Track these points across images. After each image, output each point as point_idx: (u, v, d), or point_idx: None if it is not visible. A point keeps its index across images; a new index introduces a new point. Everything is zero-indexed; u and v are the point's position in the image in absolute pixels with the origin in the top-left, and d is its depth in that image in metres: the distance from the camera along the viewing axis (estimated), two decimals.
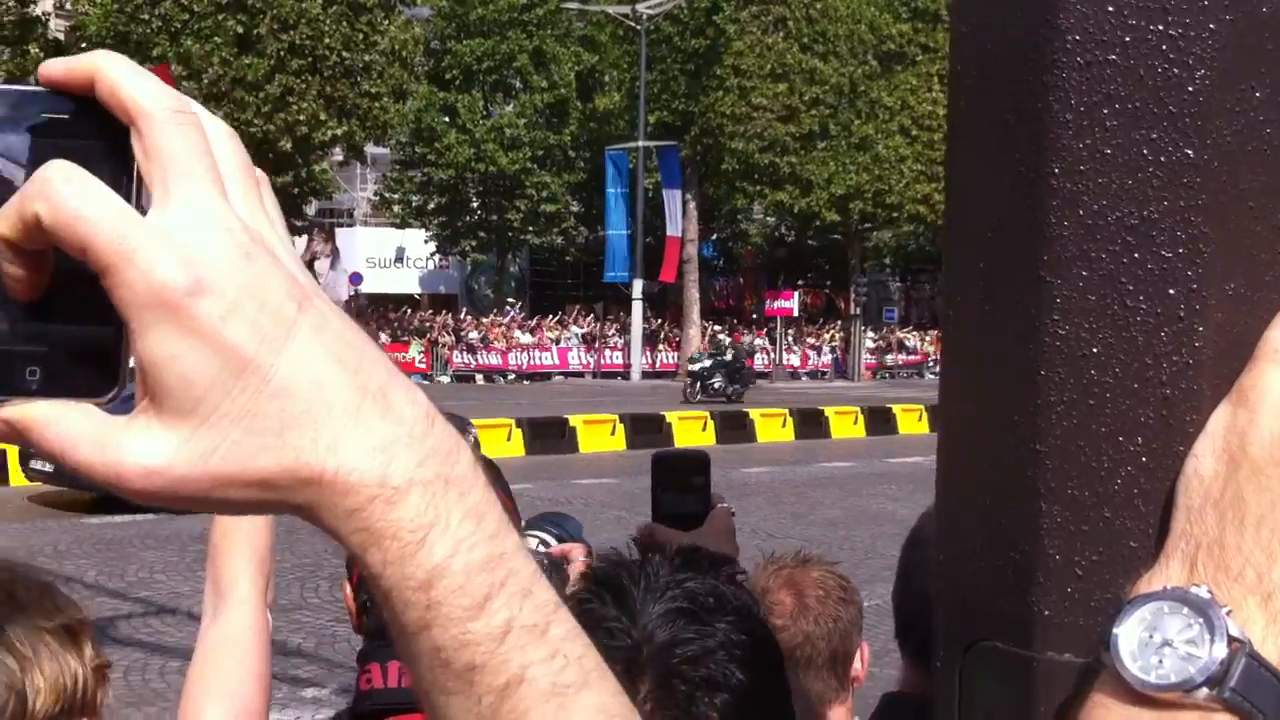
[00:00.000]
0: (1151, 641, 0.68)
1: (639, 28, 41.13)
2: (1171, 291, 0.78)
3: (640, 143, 40.21)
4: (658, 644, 1.26)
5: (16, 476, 16.77)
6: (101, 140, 0.58)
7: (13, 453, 16.88)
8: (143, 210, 0.57)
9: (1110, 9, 0.77)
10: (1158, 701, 0.66)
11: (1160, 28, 0.75)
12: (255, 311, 0.57)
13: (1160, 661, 0.67)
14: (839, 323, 52.19)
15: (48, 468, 15.85)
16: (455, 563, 0.59)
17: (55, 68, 0.59)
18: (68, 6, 37.26)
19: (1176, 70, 0.75)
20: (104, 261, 0.55)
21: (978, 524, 0.90)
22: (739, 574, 1.39)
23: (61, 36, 35.38)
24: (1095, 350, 0.81)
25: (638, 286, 39.78)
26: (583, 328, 45.49)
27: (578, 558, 2.04)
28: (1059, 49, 0.78)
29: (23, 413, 0.57)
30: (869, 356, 47.86)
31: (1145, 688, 0.67)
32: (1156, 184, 0.77)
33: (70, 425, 0.57)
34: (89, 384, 0.58)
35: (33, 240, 0.56)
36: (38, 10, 35.07)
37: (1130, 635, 0.69)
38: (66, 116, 0.58)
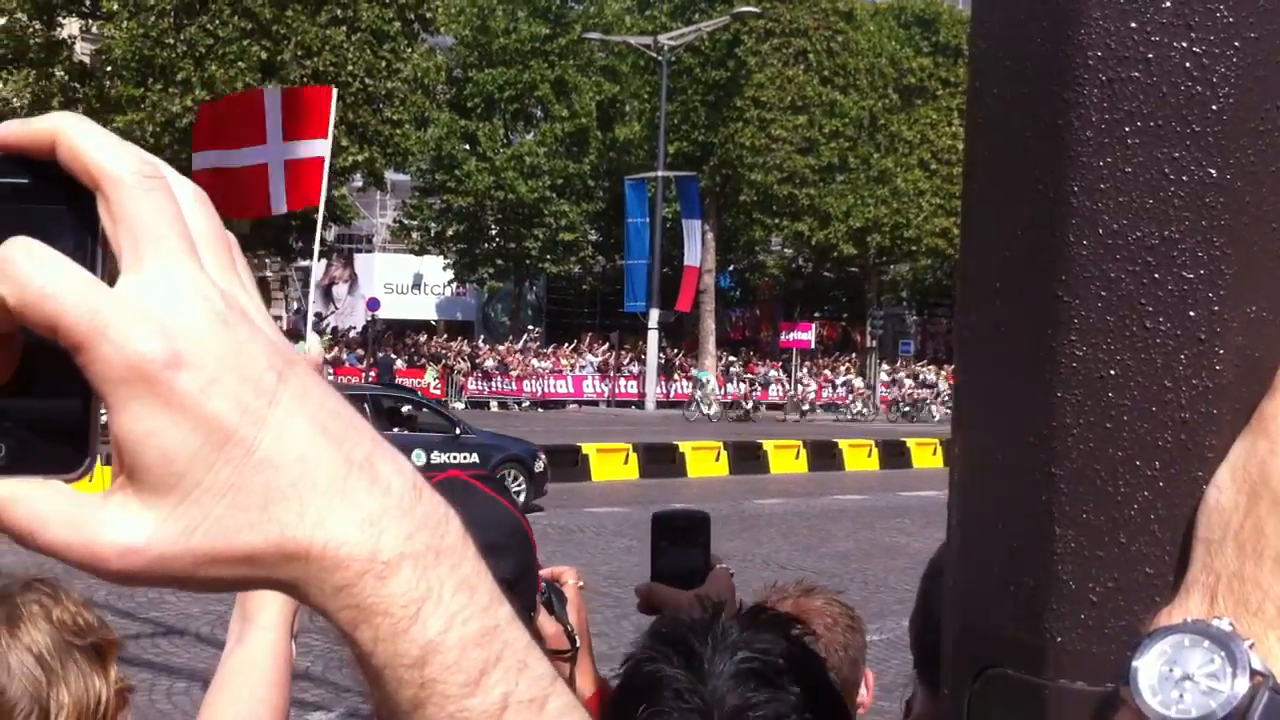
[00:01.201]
0: (1171, 675, 0.66)
1: (660, 59, 41.30)
2: (1192, 314, 0.76)
3: (659, 173, 40.30)
4: (729, 707, 1.21)
5: None
6: (63, 206, 0.55)
7: None
8: (110, 278, 0.54)
9: (1133, 25, 0.75)
10: None
11: (1183, 45, 0.74)
12: (236, 383, 0.55)
13: (1181, 696, 0.65)
14: (854, 355, 52.11)
15: None
16: (450, 638, 0.58)
17: (12, 130, 0.55)
18: (94, 30, 37.55)
19: (1200, 89, 0.74)
20: (76, 339, 0.52)
21: (990, 548, 0.88)
22: (808, 635, 1.36)
23: (87, 60, 35.69)
24: (1113, 372, 0.79)
25: (654, 316, 39.80)
26: (598, 356, 45.47)
27: (569, 580, 2.00)
28: (1080, 65, 0.77)
29: None
30: (884, 390, 47.71)
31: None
32: (1178, 204, 0.75)
33: (40, 504, 0.54)
34: (59, 460, 0.55)
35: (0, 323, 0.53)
36: (63, 34, 35.39)
37: (1150, 669, 0.67)
38: (26, 182, 0.55)
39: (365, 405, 18.93)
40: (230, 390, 0.54)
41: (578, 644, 1.88)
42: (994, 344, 0.88)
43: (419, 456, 18.59)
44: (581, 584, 1.99)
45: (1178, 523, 0.79)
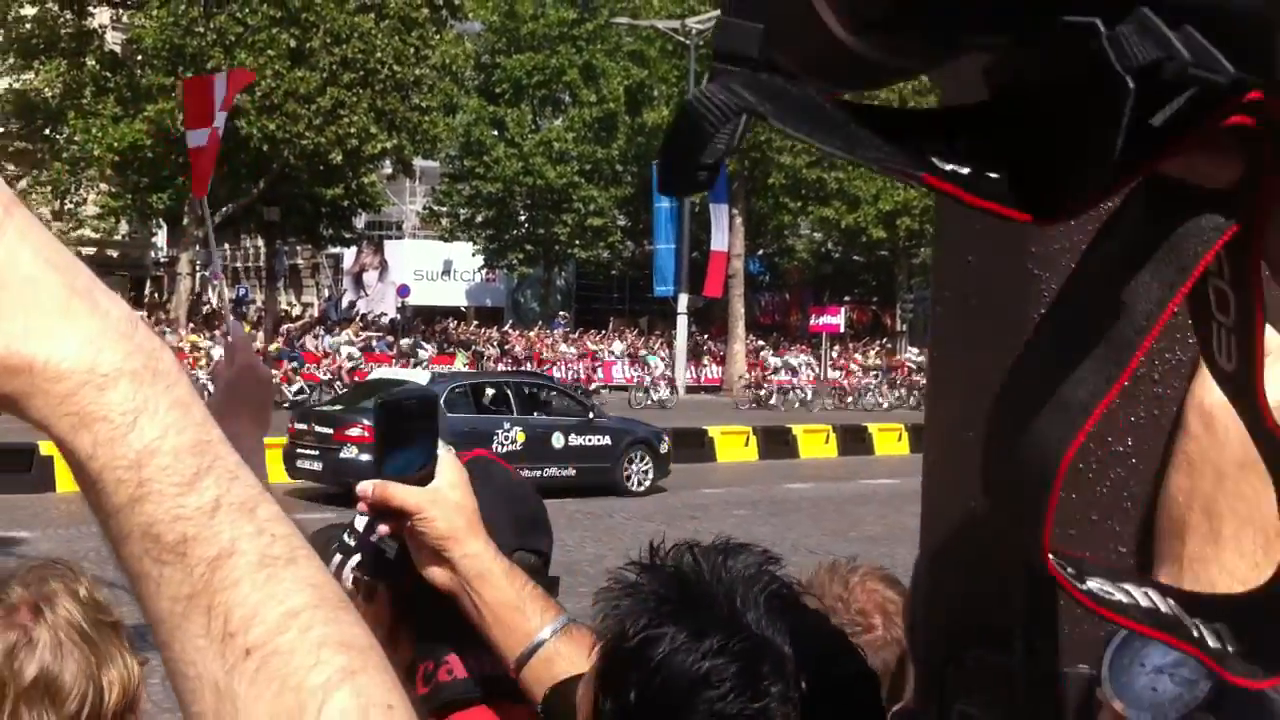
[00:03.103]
0: (1143, 670, 0.66)
1: (688, 42, 41.13)
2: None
3: None
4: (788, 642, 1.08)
5: (63, 483, 16.96)
6: None
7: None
8: None
9: None
10: None
11: None
12: None
13: (1155, 689, 0.65)
14: (884, 340, 51.89)
15: (315, 466, 17.03)
16: (165, 444, 0.64)
17: None
18: (124, 19, 37.73)
19: None
20: None
21: (961, 528, 0.86)
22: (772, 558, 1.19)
23: (118, 49, 35.87)
24: None
25: (683, 301, 39.71)
26: (625, 342, 45.45)
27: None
28: None
29: None
30: (917, 376, 47.49)
31: (1144, 719, 0.66)
32: None
33: None
34: None
35: None
36: (94, 23, 35.58)
37: (1123, 667, 0.67)
38: None
39: (507, 390, 19.53)
40: None
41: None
42: (965, 318, 0.87)
43: (558, 439, 18.94)
44: None
45: (1150, 502, 0.77)
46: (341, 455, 16.81)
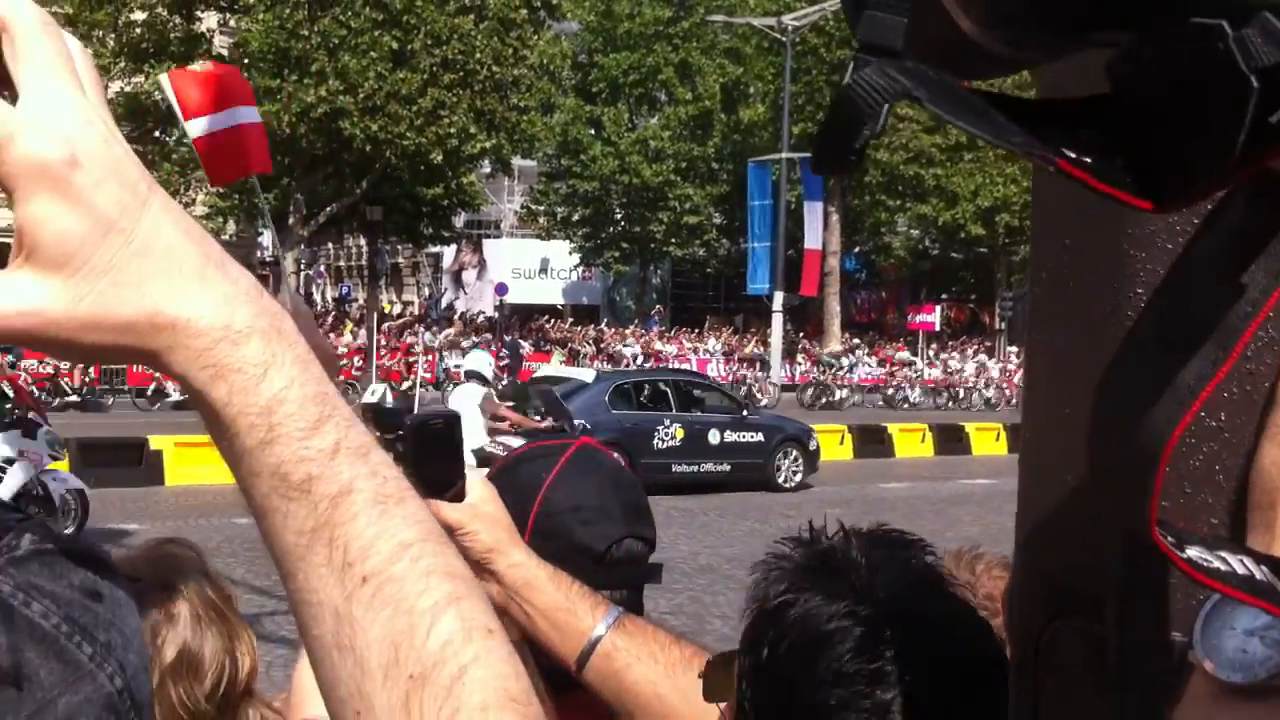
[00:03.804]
0: (1234, 633, 0.68)
1: (784, 39, 40.97)
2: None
3: (783, 154, 40.03)
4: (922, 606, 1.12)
5: (172, 476, 17.43)
6: None
7: (177, 455, 17.57)
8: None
9: None
10: (1248, 692, 0.67)
11: None
12: (117, 186, 0.68)
13: (1245, 651, 0.67)
14: (981, 339, 51.19)
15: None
16: (290, 393, 0.71)
17: None
18: (231, 23, 38.60)
19: None
20: None
21: (1057, 502, 0.89)
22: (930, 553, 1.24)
23: (225, 52, 36.69)
24: None
25: (778, 299, 39.55)
26: (721, 340, 45.40)
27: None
28: None
29: None
30: (1017, 375, 46.78)
31: (1234, 679, 0.68)
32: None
33: None
34: None
35: None
36: (202, 27, 36.45)
37: (1215, 631, 0.69)
38: None
39: (666, 388, 20.15)
40: (113, 191, 0.68)
41: None
42: (1062, 298, 0.89)
43: (714, 435, 19.44)
44: None
45: (1242, 475, 0.79)
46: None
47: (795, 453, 19.94)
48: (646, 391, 20.10)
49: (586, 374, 21.81)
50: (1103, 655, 0.82)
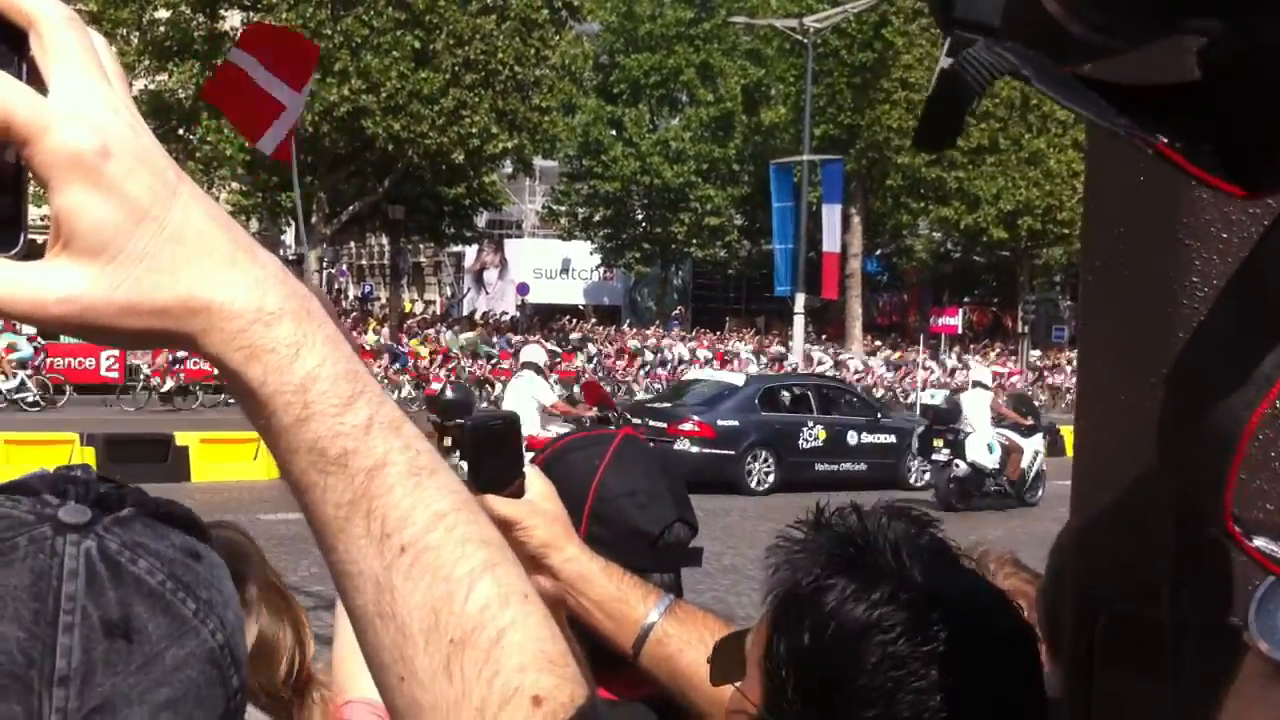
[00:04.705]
0: None
1: (805, 41, 40.86)
2: None
3: (805, 156, 39.95)
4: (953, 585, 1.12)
5: (198, 474, 17.51)
6: None
7: (202, 451, 17.66)
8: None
9: None
10: None
11: None
12: (148, 174, 0.70)
13: None
14: (1005, 342, 50.98)
15: None
16: (323, 371, 0.73)
17: None
18: (254, 21, 38.76)
19: None
20: (26, 134, 0.66)
21: (1110, 490, 0.90)
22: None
23: None
24: None
25: (800, 301, 39.47)
26: (745, 342, 45.34)
27: None
28: None
29: None
30: (1034, 375, 46.59)
31: None
32: None
33: None
34: None
35: None
36: (226, 25, 36.60)
37: (1269, 612, 0.70)
38: None
39: (808, 391, 21.56)
40: (145, 179, 0.69)
41: None
42: (1116, 288, 0.90)
43: (852, 436, 20.67)
44: None
45: None
46: (675, 448, 18.66)
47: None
48: (791, 395, 21.32)
49: (737, 378, 23.05)
50: (1159, 639, 0.83)
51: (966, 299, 54.22)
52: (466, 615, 0.74)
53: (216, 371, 0.75)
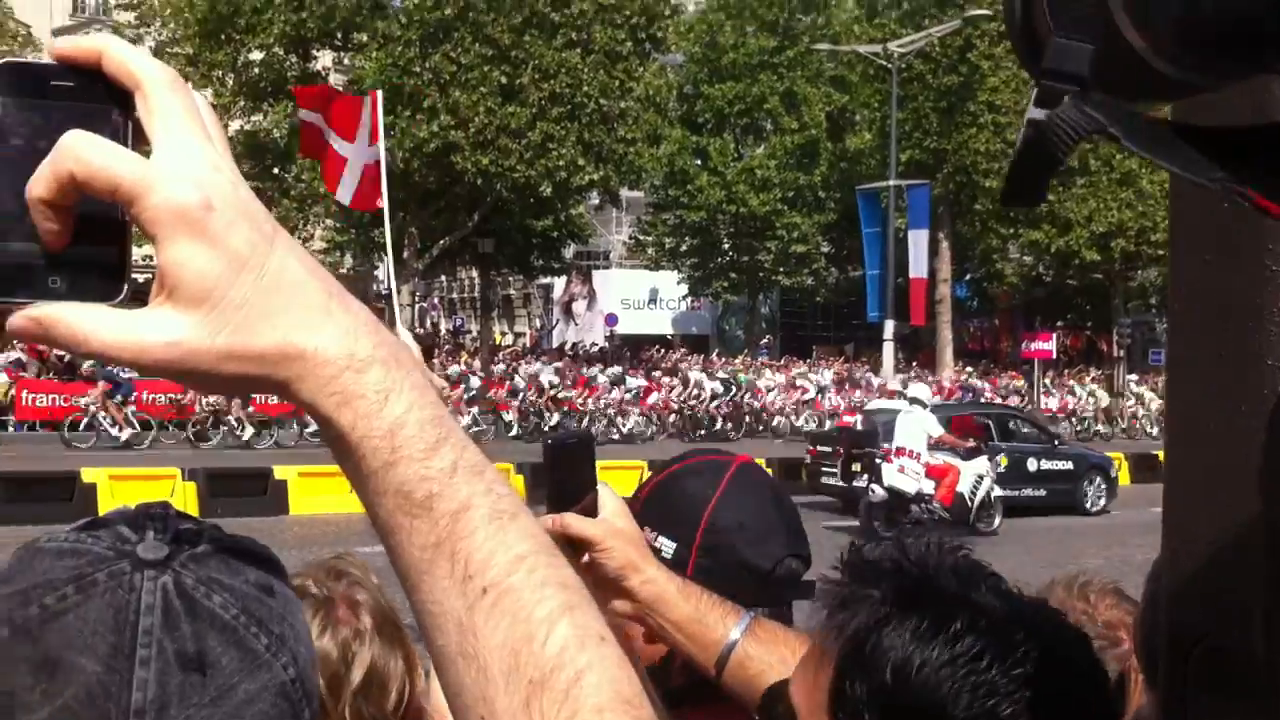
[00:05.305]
0: None
1: (890, 66, 40.73)
2: None
3: (891, 181, 39.73)
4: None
5: (296, 506, 17.81)
6: (102, 103, 0.73)
7: (300, 485, 17.91)
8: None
9: None
10: None
11: None
12: (248, 227, 0.73)
13: None
14: (1099, 367, 50.07)
15: (839, 483, 19.92)
16: (411, 417, 0.76)
17: (65, 45, 0.73)
18: (345, 61, 39.57)
19: None
20: (132, 195, 0.70)
21: (1204, 518, 0.89)
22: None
23: (340, 89, 37.59)
24: None
25: (889, 327, 39.19)
26: (831, 369, 45.08)
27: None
28: None
29: (48, 311, 0.72)
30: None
31: None
32: None
33: (93, 318, 0.72)
34: (104, 291, 0.73)
35: (65, 195, 0.71)
36: (317, 65, 37.42)
37: None
38: (72, 85, 0.73)
39: (989, 420, 22.69)
40: (244, 232, 0.73)
41: None
42: (1205, 312, 0.90)
43: (1031, 463, 21.53)
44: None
45: None
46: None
47: (1099, 479, 22.06)
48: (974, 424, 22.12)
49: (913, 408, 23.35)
50: (1254, 671, 0.82)
51: (1060, 323, 53.40)
52: (545, 657, 0.76)
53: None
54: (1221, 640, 0.88)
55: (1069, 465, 21.91)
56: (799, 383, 40.42)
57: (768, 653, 1.53)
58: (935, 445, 18.03)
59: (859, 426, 21.05)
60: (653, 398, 34.86)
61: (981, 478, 18.50)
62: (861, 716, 1.08)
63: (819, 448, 21.74)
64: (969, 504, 18.29)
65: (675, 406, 34.79)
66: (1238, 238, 0.86)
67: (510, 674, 0.76)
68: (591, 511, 1.53)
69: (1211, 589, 0.89)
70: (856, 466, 18.72)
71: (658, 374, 37.67)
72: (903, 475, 17.51)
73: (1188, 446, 0.92)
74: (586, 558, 1.51)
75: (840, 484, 19.97)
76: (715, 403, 35.01)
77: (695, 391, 35.39)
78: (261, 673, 0.84)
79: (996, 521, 18.57)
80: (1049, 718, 1.03)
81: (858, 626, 1.11)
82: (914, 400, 18.64)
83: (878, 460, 17.72)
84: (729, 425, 34.86)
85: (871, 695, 1.07)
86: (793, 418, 36.91)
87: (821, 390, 39.78)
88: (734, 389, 36.64)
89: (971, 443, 19.33)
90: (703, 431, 33.50)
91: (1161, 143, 0.58)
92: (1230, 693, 0.87)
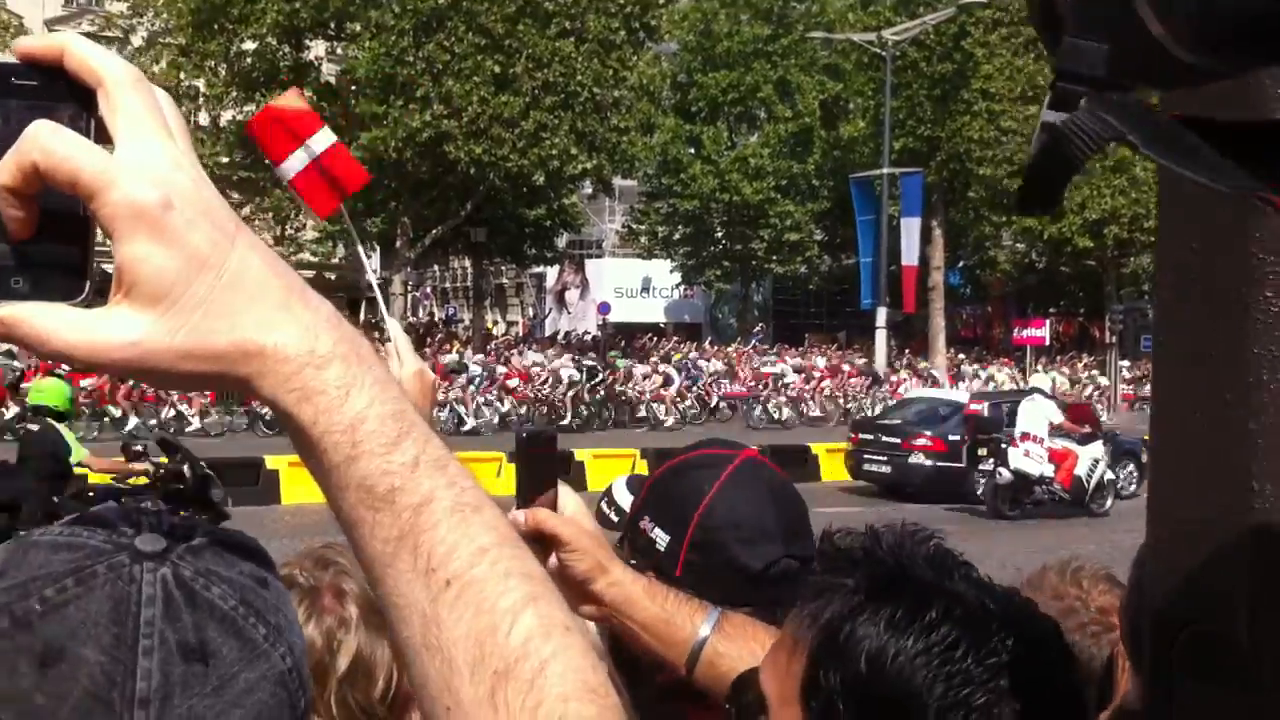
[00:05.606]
0: None
1: (884, 54, 40.69)
2: None
3: (884, 169, 39.71)
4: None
5: (288, 496, 17.79)
6: (65, 100, 0.73)
7: (291, 474, 17.93)
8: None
9: None
10: None
11: None
12: (209, 226, 0.73)
13: None
14: (1092, 353, 50.12)
15: (884, 469, 21.06)
16: (371, 412, 0.76)
17: (25, 45, 0.73)
18: (338, 51, 39.40)
19: None
20: (92, 189, 0.70)
21: (1190, 503, 0.90)
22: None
23: (333, 80, 37.49)
24: None
25: (881, 315, 39.20)
26: (826, 357, 45.07)
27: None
28: None
29: (12, 311, 0.72)
30: (1125, 387, 45.78)
31: None
32: None
33: (53, 318, 0.72)
34: (66, 289, 0.73)
35: (29, 184, 0.71)
36: (310, 55, 37.29)
37: None
38: (36, 83, 0.73)
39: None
40: (205, 230, 0.73)
41: None
42: (1189, 302, 0.90)
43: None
44: None
45: None
46: (910, 460, 20.79)
47: (1131, 465, 21.61)
48: (1011, 410, 22.21)
49: (960, 395, 23.88)
50: (1238, 657, 0.83)
51: (1052, 310, 53.40)
52: (510, 647, 0.77)
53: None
54: (1206, 626, 0.88)
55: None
56: (740, 370, 39.86)
57: (738, 648, 1.52)
58: (1054, 431, 18.64)
59: (985, 414, 21.24)
60: (513, 383, 33.32)
61: (1097, 461, 19.08)
62: (835, 706, 1.07)
63: (861, 435, 22.03)
64: (1086, 486, 18.90)
65: (531, 395, 33.13)
66: (1224, 226, 0.87)
67: (475, 665, 0.77)
68: (553, 508, 1.53)
69: (1196, 575, 0.90)
70: (983, 451, 19.15)
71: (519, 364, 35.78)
72: (1028, 459, 18.29)
73: (1173, 434, 0.93)
74: (554, 560, 1.50)
75: (883, 470, 20.93)
76: (572, 391, 33.25)
77: (547, 378, 33.56)
78: (260, 662, 0.85)
79: (1109, 503, 19.07)
80: (1022, 706, 1.03)
81: (831, 615, 1.10)
82: (1035, 389, 19.63)
83: (1003, 445, 18.40)
84: (586, 414, 32.38)
85: (846, 685, 1.06)
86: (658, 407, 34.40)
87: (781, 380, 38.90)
88: (601, 375, 34.68)
89: (1087, 429, 19.73)
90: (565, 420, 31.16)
91: (1179, 148, 0.57)
92: (1214, 678, 0.88)
